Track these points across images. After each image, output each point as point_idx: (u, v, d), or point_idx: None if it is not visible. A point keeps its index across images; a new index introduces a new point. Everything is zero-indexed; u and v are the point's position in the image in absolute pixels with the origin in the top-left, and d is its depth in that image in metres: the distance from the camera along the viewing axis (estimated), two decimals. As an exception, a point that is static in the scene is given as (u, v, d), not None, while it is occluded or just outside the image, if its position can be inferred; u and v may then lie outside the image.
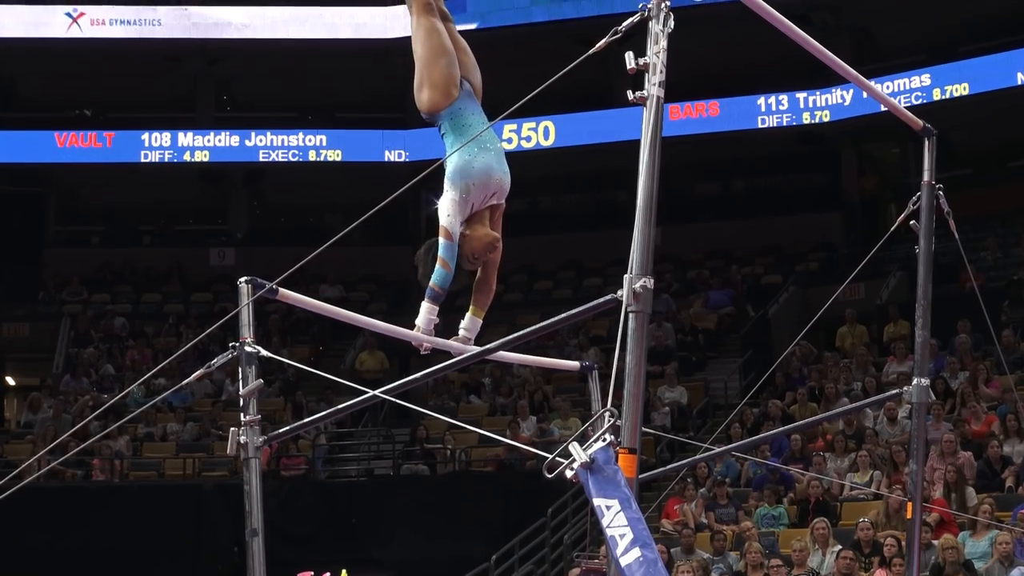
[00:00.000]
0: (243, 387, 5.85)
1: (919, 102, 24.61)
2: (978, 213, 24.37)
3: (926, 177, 6.91)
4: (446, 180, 6.59)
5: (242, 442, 5.78)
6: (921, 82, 25.72)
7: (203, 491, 20.91)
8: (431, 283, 6.60)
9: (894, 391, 8.33)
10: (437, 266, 6.56)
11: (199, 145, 28.94)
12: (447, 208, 6.57)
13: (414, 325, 6.62)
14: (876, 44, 28.16)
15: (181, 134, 28.94)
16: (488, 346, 5.96)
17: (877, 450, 17.08)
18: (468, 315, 6.89)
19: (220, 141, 28.96)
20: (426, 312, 6.60)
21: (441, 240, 6.57)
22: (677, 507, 16.91)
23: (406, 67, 28.15)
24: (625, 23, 4.56)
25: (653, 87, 4.39)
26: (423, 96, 6.79)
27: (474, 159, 6.60)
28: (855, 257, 20.44)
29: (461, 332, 6.84)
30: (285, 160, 29.02)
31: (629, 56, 4.42)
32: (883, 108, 7.21)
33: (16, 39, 28.30)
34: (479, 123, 6.72)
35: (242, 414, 5.85)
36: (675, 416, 21.30)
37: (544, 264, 28.67)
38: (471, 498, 20.34)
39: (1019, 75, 24.86)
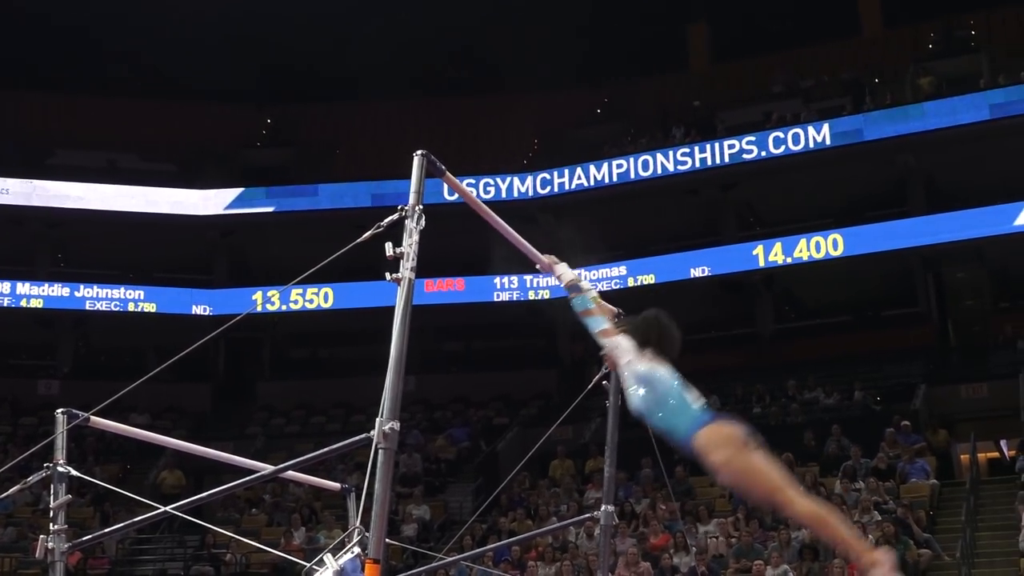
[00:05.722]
0: (53, 501, 5.59)
1: (617, 287, 25.45)
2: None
3: (617, 347, 7.05)
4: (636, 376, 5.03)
5: (50, 547, 5.49)
6: (619, 272, 26.61)
7: (18, 587, 19.69)
8: (583, 307, 5.47)
9: (591, 513, 8.45)
10: (589, 316, 5.47)
11: (35, 294, 27.75)
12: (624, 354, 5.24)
13: None
14: (587, 242, 29.02)
15: (20, 283, 27.73)
16: (271, 469, 5.83)
17: (577, 560, 17.21)
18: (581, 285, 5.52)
19: (53, 291, 27.82)
20: (571, 277, 5.53)
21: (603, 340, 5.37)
22: (418, 604, 16.62)
23: (213, 239, 27.43)
24: (387, 220, 4.63)
25: (406, 271, 4.45)
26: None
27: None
28: (566, 405, 20.73)
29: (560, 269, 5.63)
30: (108, 309, 28.03)
31: (388, 246, 4.47)
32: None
33: None
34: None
35: (52, 524, 5.57)
36: (421, 529, 21.06)
37: (320, 403, 28.19)
38: (249, 595, 19.62)
39: (691, 270, 26.05)
